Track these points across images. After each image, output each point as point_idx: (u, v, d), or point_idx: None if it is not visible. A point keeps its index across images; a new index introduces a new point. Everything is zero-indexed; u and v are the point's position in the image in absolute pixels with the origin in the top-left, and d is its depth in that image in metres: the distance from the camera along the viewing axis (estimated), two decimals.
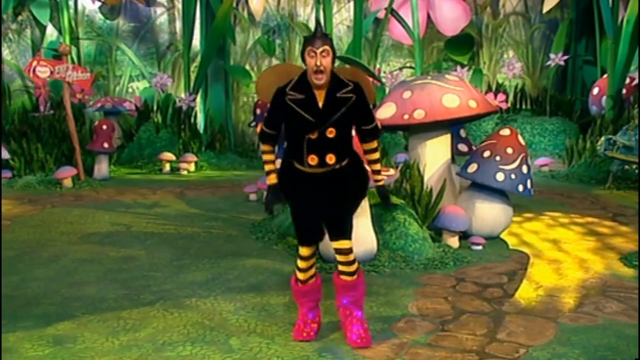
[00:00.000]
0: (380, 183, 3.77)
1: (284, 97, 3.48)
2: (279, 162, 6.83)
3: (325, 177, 3.52)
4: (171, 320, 4.02)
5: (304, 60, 3.40)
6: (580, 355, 3.55)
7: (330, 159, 3.47)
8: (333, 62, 3.42)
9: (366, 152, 3.70)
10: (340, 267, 3.62)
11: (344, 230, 3.57)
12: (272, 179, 3.63)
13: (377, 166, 3.73)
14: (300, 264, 3.68)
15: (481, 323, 3.98)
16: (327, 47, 3.34)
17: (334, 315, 4.01)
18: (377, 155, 3.70)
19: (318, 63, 3.33)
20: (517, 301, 4.38)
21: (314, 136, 3.45)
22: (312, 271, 3.72)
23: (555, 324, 3.97)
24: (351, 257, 3.59)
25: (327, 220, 3.58)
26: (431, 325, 3.95)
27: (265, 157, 3.65)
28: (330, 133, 3.44)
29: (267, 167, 3.64)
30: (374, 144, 3.67)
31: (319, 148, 3.46)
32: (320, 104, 3.43)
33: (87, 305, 4.27)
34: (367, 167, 3.74)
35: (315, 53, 3.33)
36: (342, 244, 3.56)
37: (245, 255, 5.36)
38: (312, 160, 3.47)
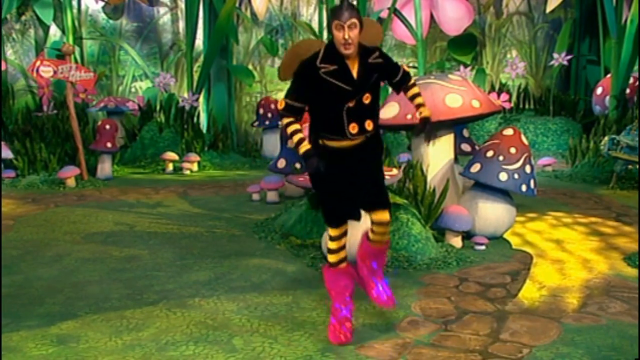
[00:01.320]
0: (424, 114, 3.75)
1: (315, 70, 3.42)
2: (282, 162, 6.75)
3: (355, 149, 3.53)
4: (174, 319, 4.03)
5: (331, 33, 3.40)
6: (583, 355, 3.54)
7: (369, 124, 3.51)
8: (360, 32, 3.40)
9: (409, 96, 3.80)
10: (376, 237, 3.63)
11: (385, 200, 3.59)
12: (305, 146, 3.43)
13: (419, 100, 3.78)
14: (332, 244, 3.64)
15: (484, 323, 3.98)
16: (354, 20, 3.34)
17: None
18: (416, 90, 3.79)
19: (346, 36, 3.33)
20: (520, 301, 4.37)
21: (352, 104, 3.45)
22: (344, 253, 3.68)
23: (558, 324, 3.96)
24: (389, 227, 3.66)
25: (367, 191, 3.55)
26: (434, 325, 3.95)
27: (292, 127, 3.48)
28: (367, 99, 3.49)
29: (297, 137, 3.45)
30: (413, 87, 3.77)
31: (358, 115, 3.48)
32: (355, 73, 3.45)
33: (90, 304, 4.28)
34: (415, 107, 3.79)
35: (343, 26, 3.33)
36: (385, 214, 3.55)
37: (249, 255, 5.37)
38: (354, 128, 3.47)
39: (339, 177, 3.55)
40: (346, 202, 3.60)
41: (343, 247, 3.69)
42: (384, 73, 3.61)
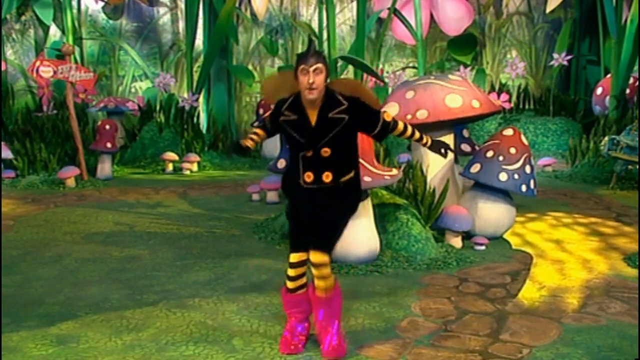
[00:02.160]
0: (428, 144, 3.72)
1: (279, 116, 3.51)
2: (282, 162, 6.78)
3: (321, 191, 3.48)
4: (174, 320, 4.02)
5: (297, 78, 3.37)
6: (583, 355, 3.54)
7: (327, 176, 3.44)
8: (326, 79, 3.38)
9: (408, 139, 3.73)
10: (315, 281, 3.51)
11: (324, 243, 3.48)
12: (247, 142, 3.68)
13: (416, 135, 3.68)
14: (289, 271, 3.57)
15: (484, 323, 3.97)
16: (320, 65, 3.32)
17: None
18: (408, 132, 3.65)
19: (310, 81, 3.30)
20: (520, 301, 4.37)
21: (309, 154, 3.44)
22: (302, 281, 3.60)
23: (558, 324, 3.96)
24: (324, 271, 3.46)
25: (312, 228, 3.48)
26: (434, 325, 3.95)
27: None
28: (325, 152, 3.42)
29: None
30: (398, 131, 3.61)
31: (315, 166, 3.44)
32: (313, 124, 3.41)
33: (90, 305, 4.28)
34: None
35: (308, 71, 3.30)
36: (316, 256, 3.43)
37: (248, 255, 5.36)
38: (308, 177, 3.45)
39: (298, 206, 3.58)
40: (300, 231, 3.55)
41: (302, 275, 3.58)
42: (352, 130, 3.45)
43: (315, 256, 3.44)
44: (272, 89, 3.74)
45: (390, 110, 5.79)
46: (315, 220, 3.49)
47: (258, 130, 3.71)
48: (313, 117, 3.41)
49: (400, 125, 3.62)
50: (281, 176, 3.67)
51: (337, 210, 3.51)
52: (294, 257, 3.55)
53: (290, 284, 3.60)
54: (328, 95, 3.42)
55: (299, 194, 3.54)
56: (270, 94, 3.73)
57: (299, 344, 3.62)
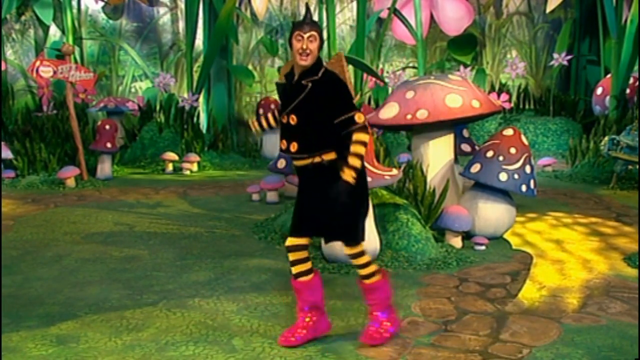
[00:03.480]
0: (344, 174, 3.34)
1: (278, 84, 3.62)
2: (282, 162, 6.80)
3: (311, 171, 3.46)
4: (174, 320, 4.02)
5: (291, 45, 3.42)
6: (583, 355, 3.54)
7: (293, 146, 3.45)
8: (320, 48, 3.42)
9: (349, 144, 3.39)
10: (357, 270, 3.64)
11: (345, 234, 3.52)
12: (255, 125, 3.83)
13: (351, 160, 3.33)
14: (289, 256, 3.61)
15: (484, 323, 3.97)
16: (314, 33, 3.38)
17: (336, 315, 4.01)
18: (356, 149, 3.33)
19: (304, 46, 3.35)
20: (520, 301, 4.37)
21: (284, 120, 3.48)
22: (303, 267, 3.59)
23: (558, 324, 3.96)
24: (360, 261, 3.56)
25: (322, 220, 3.50)
26: (434, 325, 3.95)
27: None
28: (292, 120, 3.43)
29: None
30: (356, 137, 3.33)
31: (286, 134, 3.50)
32: (289, 88, 3.49)
33: (90, 305, 4.28)
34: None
35: (302, 37, 3.37)
36: (345, 249, 3.56)
37: (248, 255, 5.36)
38: (283, 144, 3.52)
39: (300, 191, 3.61)
40: (299, 217, 3.60)
41: (303, 260, 3.58)
42: (317, 102, 3.36)
43: (345, 250, 3.57)
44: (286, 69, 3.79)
45: (391, 110, 5.79)
46: (319, 208, 3.47)
47: (270, 116, 3.81)
48: (293, 82, 3.49)
49: (364, 137, 3.34)
50: None
51: (333, 195, 3.36)
52: (289, 241, 3.60)
53: (292, 269, 3.63)
54: (315, 65, 3.43)
55: (298, 174, 3.60)
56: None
57: (294, 336, 3.61)
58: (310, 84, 3.40)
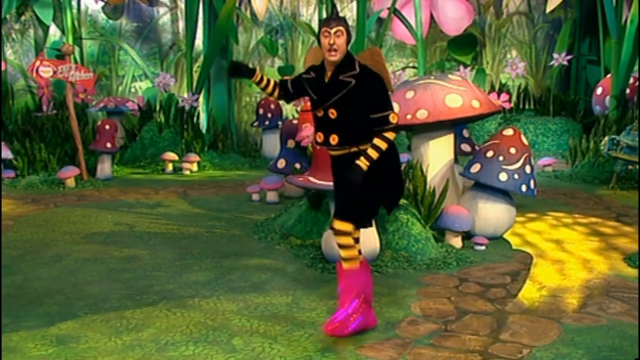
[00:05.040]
0: (359, 161, 3.51)
1: (303, 74, 3.71)
2: (282, 162, 6.79)
3: (347, 159, 3.60)
4: (174, 320, 4.02)
5: (319, 41, 3.51)
6: (583, 355, 3.54)
7: (333, 139, 3.58)
8: (348, 43, 3.49)
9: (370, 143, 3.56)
10: (339, 251, 3.70)
11: (345, 211, 3.61)
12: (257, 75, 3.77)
13: (370, 151, 3.51)
14: (337, 240, 3.66)
15: (484, 323, 3.97)
16: (341, 28, 3.45)
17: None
18: (379, 143, 3.50)
19: (332, 42, 3.43)
20: (520, 301, 4.37)
21: (320, 114, 3.59)
22: (350, 253, 3.65)
23: (558, 324, 3.96)
24: (343, 240, 3.60)
25: (337, 197, 3.75)
26: (434, 325, 3.94)
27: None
28: (332, 114, 3.54)
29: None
30: (384, 136, 3.49)
31: (324, 127, 3.60)
32: (326, 82, 3.56)
33: (90, 305, 4.27)
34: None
35: (330, 33, 3.44)
36: (336, 223, 3.60)
37: (248, 255, 5.36)
38: (319, 137, 3.64)
39: (335, 178, 3.83)
40: (337, 202, 3.81)
41: (348, 247, 3.68)
42: (357, 98, 3.46)
43: (335, 223, 3.60)
44: (311, 58, 3.83)
45: None
46: (339, 189, 3.73)
47: (272, 80, 3.83)
48: (328, 77, 3.56)
49: (391, 136, 3.53)
50: None
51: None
52: (336, 224, 3.62)
53: (342, 253, 3.67)
54: (347, 59, 3.53)
55: (332, 162, 3.76)
56: (309, 62, 3.83)
57: (348, 324, 3.62)
58: (353, 81, 3.49)
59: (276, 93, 3.82)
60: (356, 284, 3.69)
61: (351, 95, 3.50)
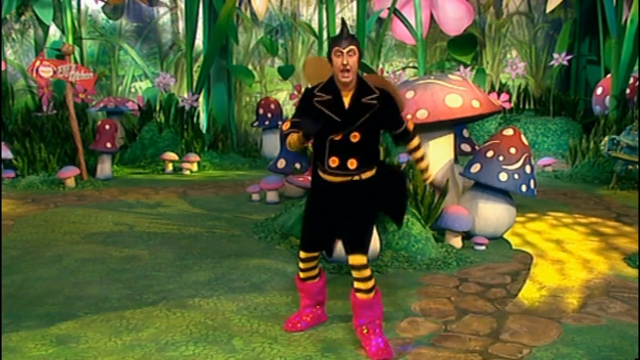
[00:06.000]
0: (429, 180, 3.87)
1: (312, 99, 3.49)
2: (282, 162, 6.75)
3: (346, 188, 3.52)
4: (174, 320, 4.02)
5: (330, 61, 3.43)
6: (583, 355, 3.54)
7: (352, 163, 3.46)
8: (359, 62, 3.43)
9: (409, 153, 3.79)
10: (356, 284, 3.55)
11: (359, 245, 3.52)
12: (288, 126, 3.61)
13: (422, 164, 3.80)
14: (300, 264, 3.78)
15: (484, 323, 3.97)
16: (353, 47, 3.38)
17: (336, 315, 4.01)
18: (419, 154, 3.76)
19: (345, 62, 3.35)
20: (520, 301, 4.37)
21: (337, 137, 3.45)
22: (312, 273, 3.81)
23: (558, 324, 3.96)
24: (366, 272, 3.52)
25: (344, 233, 3.56)
26: (434, 325, 3.94)
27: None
28: (354, 137, 3.45)
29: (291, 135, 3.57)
30: (413, 144, 3.71)
31: (342, 151, 3.46)
32: (346, 106, 3.44)
33: (90, 305, 4.27)
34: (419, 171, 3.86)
35: (342, 52, 3.36)
36: (356, 259, 3.50)
37: (248, 255, 5.36)
38: (333, 162, 3.47)
39: (321, 208, 3.62)
40: (321, 234, 3.66)
41: (312, 268, 3.78)
42: (380, 119, 3.49)
43: (355, 259, 3.50)
44: (314, 71, 3.75)
45: None
46: (344, 221, 3.54)
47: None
48: (347, 100, 3.46)
49: (416, 141, 3.72)
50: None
51: (365, 206, 3.55)
52: (304, 255, 3.72)
53: (301, 274, 3.81)
54: (360, 81, 3.49)
55: (323, 191, 3.58)
56: (311, 75, 3.73)
57: (300, 322, 3.84)
58: (376, 103, 3.46)
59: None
60: (380, 310, 3.63)
61: (375, 117, 3.46)
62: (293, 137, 3.52)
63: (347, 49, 3.35)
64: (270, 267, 5.03)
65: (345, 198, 3.53)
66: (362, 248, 3.52)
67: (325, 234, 3.66)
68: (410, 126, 3.69)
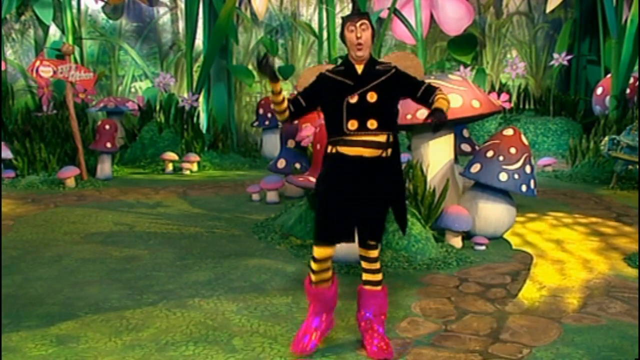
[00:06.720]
0: (439, 110, 3.41)
1: (323, 74, 3.49)
2: (282, 162, 6.73)
3: (370, 165, 3.36)
4: (174, 320, 4.02)
5: (343, 40, 3.42)
6: (584, 355, 3.54)
7: (372, 124, 3.34)
8: (372, 38, 3.42)
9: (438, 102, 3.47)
10: (365, 276, 3.54)
11: (377, 234, 3.47)
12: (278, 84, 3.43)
13: (440, 103, 3.44)
14: (313, 265, 3.47)
15: (484, 323, 3.97)
16: (365, 21, 3.38)
17: (336, 315, 4.01)
18: (443, 102, 3.45)
19: (358, 35, 3.35)
20: (520, 301, 4.37)
21: (353, 100, 3.36)
22: (326, 275, 3.51)
23: (558, 324, 3.96)
24: (377, 265, 3.53)
25: (363, 219, 3.41)
26: (434, 325, 3.94)
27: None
28: (371, 97, 3.37)
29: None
30: (440, 97, 3.44)
31: (360, 113, 3.35)
32: (359, 72, 3.42)
33: (90, 305, 4.27)
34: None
35: (355, 27, 3.36)
36: (369, 251, 3.49)
37: (248, 255, 5.36)
38: (352, 125, 3.34)
39: (343, 193, 3.40)
40: (342, 222, 3.41)
41: (326, 270, 3.50)
42: (398, 85, 3.46)
43: (369, 252, 3.49)
44: (309, 79, 3.68)
45: None
46: (366, 206, 3.40)
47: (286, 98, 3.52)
48: (360, 68, 3.43)
49: (440, 95, 3.47)
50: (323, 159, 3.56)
51: (386, 190, 3.43)
52: (321, 252, 3.42)
53: (313, 277, 3.50)
54: (373, 58, 3.46)
55: (345, 174, 3.39)
56: (304, 86, 3.66)
57: (309, 344, 3.52)
58: (394, 69, 3.45)
59: (287, 112, 3.53)
60: (386, 305, 3.62)
61: (391, 81, 3.42)
62: (270, 97, 3.51)
63: (359, 23, 3.36)
64: (270, 267, 5.03)
65: (370, 179, 3.38)
66: (379, 235, 3.49)
67: (349, 220, 3.40)
68: (434, 83, 3.55)
